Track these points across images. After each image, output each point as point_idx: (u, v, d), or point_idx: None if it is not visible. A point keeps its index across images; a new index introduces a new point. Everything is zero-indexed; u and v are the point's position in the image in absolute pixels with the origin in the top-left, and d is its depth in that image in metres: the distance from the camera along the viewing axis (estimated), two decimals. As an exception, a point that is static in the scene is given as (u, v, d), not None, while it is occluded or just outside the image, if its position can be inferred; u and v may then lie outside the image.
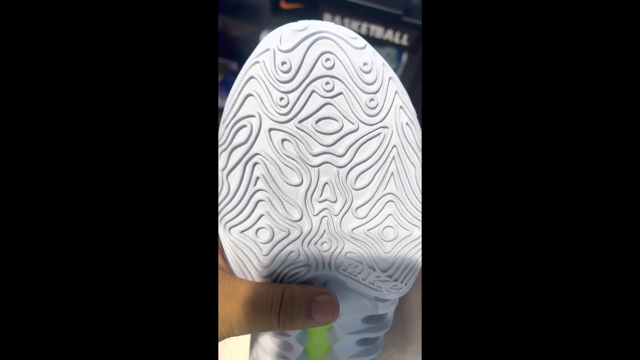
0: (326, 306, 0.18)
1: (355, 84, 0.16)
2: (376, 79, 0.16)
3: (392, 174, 0.17)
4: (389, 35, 0.46)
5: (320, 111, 0.16)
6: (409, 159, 0.17)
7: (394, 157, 0.17)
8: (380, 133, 0.17)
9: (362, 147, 0.17)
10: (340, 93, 0.16)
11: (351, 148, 0.17)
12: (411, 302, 0.85)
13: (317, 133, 0.17)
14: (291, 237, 0.18)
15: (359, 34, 0.47)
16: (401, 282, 0.19)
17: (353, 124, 0.16)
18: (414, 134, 0.17)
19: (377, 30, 0.46)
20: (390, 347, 0.78)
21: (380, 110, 0.16)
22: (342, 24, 0.47)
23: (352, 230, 0.18)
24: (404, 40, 0.46)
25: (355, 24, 0.46)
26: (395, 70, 0.54)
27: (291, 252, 0.18)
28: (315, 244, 0.18)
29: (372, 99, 0.16)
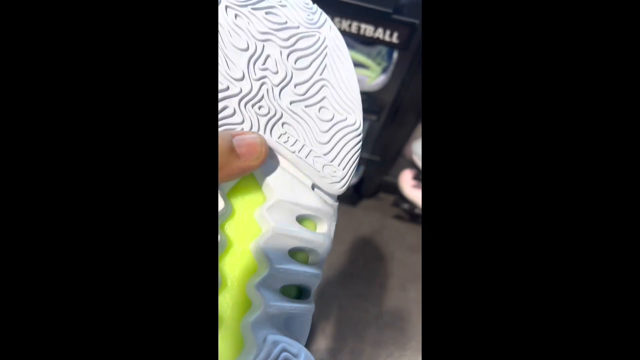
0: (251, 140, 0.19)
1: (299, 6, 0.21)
2: (316, 10, 0.21)
3: (326, 65, 0.21)
4: (380, 33, 0.46)
5: (270, 9, 0.20)
6: (340, 59, 0.21)
7: (327, 54, 0.21)
8: (315, 34, 0.21)
9: (302, 40, 0.20)
10: (286, 5, 0.20)
11: (292, 38, 0.20)
12: (410, 299, 0.85)
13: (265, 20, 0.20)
14: (229, 92, 0.20)
15: (350, 32, 0.47)
16: (339, 165, 0.21)
17: (295, 23, 0.20)
18: (341, 47, 0.21)
19: (368, 29, 0.46)
20: (390, 344, 0.78)
21: (317, 22, 0.21)
22: (333, 23, 0.46)
23: (291, 103, 0.20)
24: (394, 38, 0.46)
25: (345, 23, 0.46)
26: (386, 68, 0.54)
27: (226, 107, 0.20)
28: (253, 106, 0.20)
29: (310, 15, 0.21)
